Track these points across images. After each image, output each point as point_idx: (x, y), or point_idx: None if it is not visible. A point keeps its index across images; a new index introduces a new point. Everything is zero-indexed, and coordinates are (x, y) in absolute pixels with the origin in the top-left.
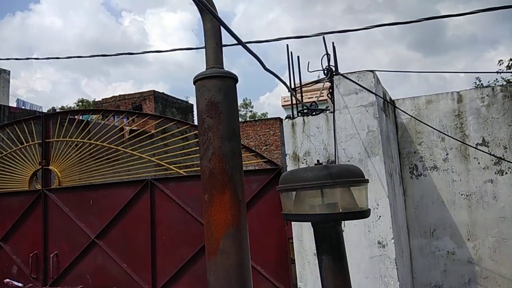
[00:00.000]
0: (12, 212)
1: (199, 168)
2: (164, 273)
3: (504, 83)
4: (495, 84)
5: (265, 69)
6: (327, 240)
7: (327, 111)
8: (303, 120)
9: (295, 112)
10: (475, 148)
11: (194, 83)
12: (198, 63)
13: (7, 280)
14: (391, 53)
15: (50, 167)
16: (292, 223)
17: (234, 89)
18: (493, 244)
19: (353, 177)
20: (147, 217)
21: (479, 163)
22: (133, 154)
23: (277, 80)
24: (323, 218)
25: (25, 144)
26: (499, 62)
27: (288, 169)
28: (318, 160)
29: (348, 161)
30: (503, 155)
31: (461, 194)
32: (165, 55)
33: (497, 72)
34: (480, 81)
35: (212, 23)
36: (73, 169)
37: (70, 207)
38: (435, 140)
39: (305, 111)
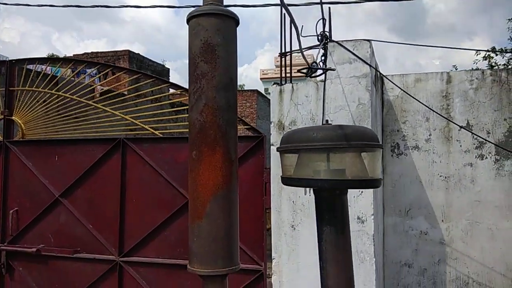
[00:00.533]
0: None
1: (171, 130)
2: (132, 237)
3: None
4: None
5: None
6: (330, 210)
7: (334, 75)
8: (292, 87)
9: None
10: (460, 128)
11: (188, 21)
12: (177, 27)
13: None
14: (372, 35)
15: (13, 117)
16: (272, 193)
17: (234, 32)
18: (465, 227)
19: (366, 141)
20: (117, 178)
21: (461, 146)
22: (104, 110)
23: (256, 52)
24: (329, 184)
25: None
26: (476, 52)
27: (272, 137)
28: (327, 120)
29: None
30: (486, 139)
31: (440, 176)
32: (143, 16)
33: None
34: (456, 69)
35: None
36: (38, 122)
37: (33, 161)
38: (419, 120)
39: (304, 71)
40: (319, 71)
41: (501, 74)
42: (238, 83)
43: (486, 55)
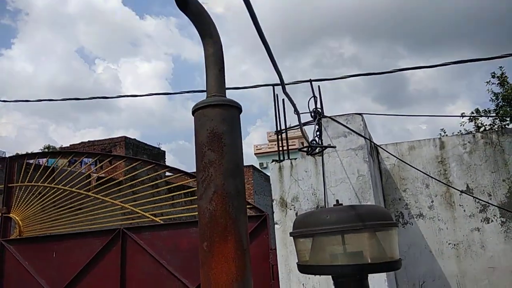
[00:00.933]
0: None
1: (169, 216)
2: None
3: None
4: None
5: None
6: None
7: (330, 148)
8: (291, 163)
9: (281, 157)
10: (461, 193)
11: (193, 113)
12: (170, 111)
13: None
14: (357, 105)
15: (10, 214)
16: (280, 276)
17: (238, 120)
18: None
19: (381, 220)
20: (117, 271)
21: (464, 210)
22: (102, 200)
23: (248, 129)
24: (348, 270)
25: None
26: (461, 114)
27: (275, 216)
28: (337, 200)
29: None
30: (488, 203)
31: (449, 244)
32: (137, 103)
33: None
34: (444, 132)
35: (215, 48)
36: (36, 217)
37: (30, 260)
38: (419, 187)
39: (304, 149)
40: (320, 148)
41: (491, 136)
42: None
43: (471, 118)
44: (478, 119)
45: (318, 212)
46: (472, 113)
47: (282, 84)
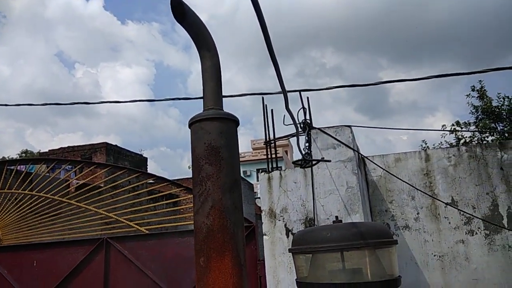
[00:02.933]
0: None
1: (152, 226)
2: None
3: (449, 146)
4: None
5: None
6: None
7: (325, 161)
8: (280, 174)
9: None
10: (446, 205)
11: (190, 125)
12: (153, 117)
13: None
14: (340, 115)
15: None
16: (268, 287)
17: (236, 133)
18: None
19: (381, 238)
20: (100, 281)
21: (449, 222)
22: (83, 208)
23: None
24: None
25: None
26: (442, 126)
27: (264, 226)
28: (336, 217)
29: (327, 219)
30: (472, 215)
31: (434, 255)
32: (118, 108)
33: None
34: (426, 143)
35: (213, 62)
36: (15, 225)
37: (9, 269)
38: (405, 199)
39: (298, 162)
40: (313, 161)
41: (475, 150)
42: None
43: (452, 129)
44: (458, 131)
45: (318, 229)
46: (453, 125)
47: (286, 101)
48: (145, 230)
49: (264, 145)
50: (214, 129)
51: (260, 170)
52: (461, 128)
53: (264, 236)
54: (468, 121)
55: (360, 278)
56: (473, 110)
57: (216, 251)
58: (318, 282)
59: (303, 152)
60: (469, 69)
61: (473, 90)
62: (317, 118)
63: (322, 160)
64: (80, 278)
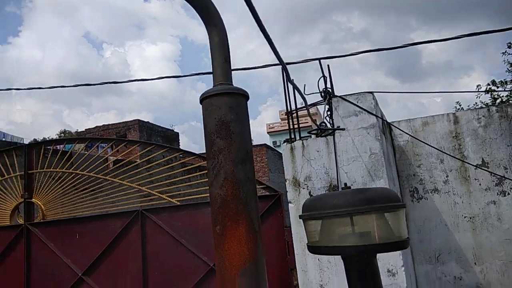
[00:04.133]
0: None
1: (186, 197)
2: None
3: (484, 106)
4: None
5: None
6: (360, 276)
7: (340, 130)
8: (302, 143)
9: (292, 136)
10: (476, 167)
11: (201, 101)
12: (181, 93)
13: None
14: (369, 80)
15: (33, 199)
16: (295, 252)
17: (245, 107)
18: (500, 268)
19: (388, 202)
20: (138, 251)
21: (480, 184)
22: (120, 183)
23: (259, 108)
24: (356, 251)
25: (6, 176)
26: (477, 86)
27: (288, 195)
28: (345, 184)
29: (352, 185)
30: (504, 176)
31: (464, 217)
32: (148, 86)
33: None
34: (460, 105)
35: (220, 37)
36: (57, 201)
37: (55, 242)
38: (434, 162)
39: (313, 132)
40: (330, 129)
41: (507, 109)
42: None
43: (488, 89)
44: (494, 90)
45: (326, 196)
46: (488, 84)
47: (287, 73)
48: (177, 202)
49: (286, 116)
50: (223, 104)
51: (283, 141)
52: (497, 87)
53: (290, 204)
54: (504, 79)
55: (368, 240)
56: (510, 68)
57: (231, 220)
58: (328, 245)
59: (320, 120)
60: (505, 25)
61: (509, 47)
62: (345, 84)
63: (337, 128)
64: (120, 248)
